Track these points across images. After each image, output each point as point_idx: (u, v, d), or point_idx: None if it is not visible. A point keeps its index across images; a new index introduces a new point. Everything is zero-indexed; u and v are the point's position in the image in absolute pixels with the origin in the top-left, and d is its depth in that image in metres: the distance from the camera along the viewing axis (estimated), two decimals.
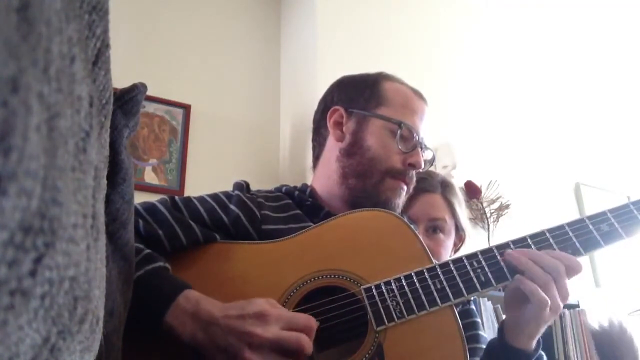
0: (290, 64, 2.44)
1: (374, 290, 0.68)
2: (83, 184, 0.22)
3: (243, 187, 0.85)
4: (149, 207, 0.75)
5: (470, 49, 2.79)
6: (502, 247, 0.73)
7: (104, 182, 0.28)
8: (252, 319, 0.58)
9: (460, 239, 1.21)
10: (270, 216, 0.81)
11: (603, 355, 2.01)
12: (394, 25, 2.46)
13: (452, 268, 0.70)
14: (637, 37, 3.54)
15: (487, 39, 2.92)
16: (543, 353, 0.74)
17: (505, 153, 2.67)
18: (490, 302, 1.94)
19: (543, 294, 0.67)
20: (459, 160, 2.23)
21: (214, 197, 0.81)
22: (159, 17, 2.23)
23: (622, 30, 3.50)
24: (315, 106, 0.98)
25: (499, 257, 0.72)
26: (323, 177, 0.91)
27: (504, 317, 0.80)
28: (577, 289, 2.28)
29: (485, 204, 2.40)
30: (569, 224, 0.75)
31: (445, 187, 1.19)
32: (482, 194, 2.39)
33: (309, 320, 0.61)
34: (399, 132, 0.84)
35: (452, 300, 0.68)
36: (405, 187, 0.86)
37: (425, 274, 0.70)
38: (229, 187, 0.87)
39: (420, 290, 0.68)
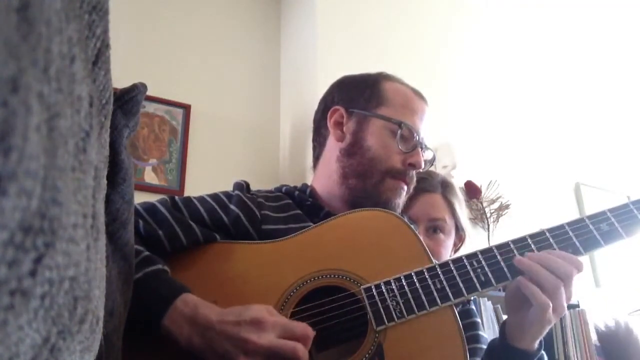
0: (290, 64, 2.44)
1: (374, 290, 0.68)
2: (83, 184, 0.22)
3: (243, 187, 0.85)
4: (149, 207, 0.75)
5: (470, 49, 2.79)
6: (502, 247, 0.73)
7: (104, 182, 0.28)
8: (248, 326, 0.58)
9: (460, 239, 1.21)
10: (270, 216, 0.81)
11: (609, 356, 2.00)
12: (394, 25, 2.46)
13: (452, 268, 0.70)
14: (637, 37, 3.54)
15: (487, 39, 2.92)
16: (544, 353, 0.74)
17: (505, 153, 2.67)
18: (490, 302, 1.94)
19: (544, 297, 0.66)
20: (459, 160, 2.23)
21: (214, 197, 0.81)
22: (159, 17, 2.23)
23: (622, 30, 3.50)
24: (315, 106, 0.98)
25: (499, 257, 0.72)
26: (323, 177, 0.91)
27: (504, 317, 0.80)
28: (577, 289, 2.28)
29: (485, 204, 2.40)
30: (569, 224, 0.75)
31: (445, 187, 1.18)
32: (482, 194, 2.39)
33: (306, 329, 0.61)
34: (399, 132, 0.84)
35: (452, 300, 0.68)
36: (405, 187, 0.86)
37: (425, 274, 0.69)
38: (229, 187, 0.87)
39: (420, 290, 0.68)
